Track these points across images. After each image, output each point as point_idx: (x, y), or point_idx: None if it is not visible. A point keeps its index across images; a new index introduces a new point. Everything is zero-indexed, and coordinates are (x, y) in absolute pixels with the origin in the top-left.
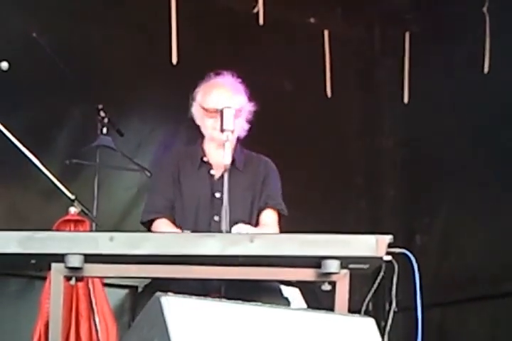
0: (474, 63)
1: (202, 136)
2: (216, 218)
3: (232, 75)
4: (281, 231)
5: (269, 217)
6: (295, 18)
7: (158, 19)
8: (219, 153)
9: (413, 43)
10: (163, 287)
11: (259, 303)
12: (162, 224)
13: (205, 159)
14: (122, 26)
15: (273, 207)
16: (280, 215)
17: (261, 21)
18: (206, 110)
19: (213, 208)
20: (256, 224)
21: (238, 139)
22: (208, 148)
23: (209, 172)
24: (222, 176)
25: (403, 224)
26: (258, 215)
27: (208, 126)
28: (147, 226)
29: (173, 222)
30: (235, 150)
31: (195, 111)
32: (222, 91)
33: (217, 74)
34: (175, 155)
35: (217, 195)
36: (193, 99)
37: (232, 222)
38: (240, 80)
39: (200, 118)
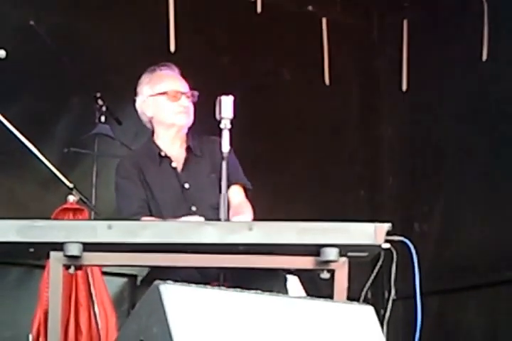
0: (473, 51)
1: (152, 132)
2: (193, 208)
3: (171, 66)
4: (279, 218)
5: (238, 195)
6: (293, 6)
7: (156, 7)
8: (175, 145)
9: (412, 31)
10: (163, 276)
11: (260, 291)
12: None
13: (162, 154)
14: (120, 14)
15: (237, 183)
16: (246, 190)
17: (259, 9)
18: (166, 94)
19: (187, 199)
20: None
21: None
22: (162, 143)
23: (171, 165)
24: (184, 167)
25: (402, 213)
26: None
27: (169, 111)
28: None
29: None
30: (187, 136)
31: (146, 103)
32: (179, 78)
33: (162, 65)
34: (131, 157)
35: (186, 185)
36: (139, 94)
37: (208, 207)
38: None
39: (156, 106)
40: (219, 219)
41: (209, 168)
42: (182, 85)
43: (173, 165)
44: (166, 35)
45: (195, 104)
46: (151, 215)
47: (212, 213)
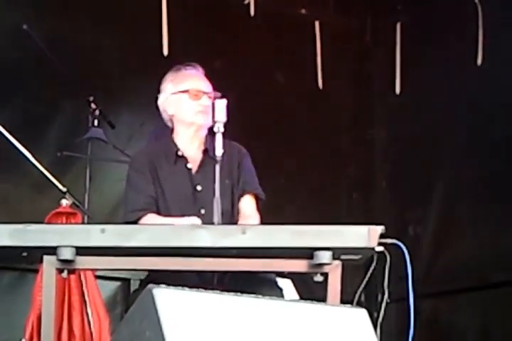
0: (466, 54)
1: (171, 130)
2: (202, 211)
3: (196, 67)
4: (273, 221)
5: (250, 206)
6: (286, 9)
7: (149, 10)
8: (193, 145)
9: (404, 34)
10: (162, 279)
11: (254, 295)
12: (151, 218)
13: (179, 153)
14: (113, 18)
15: (251, 193)
16: (258, 199)
17: (252, 12)
18: (188, 92)
19: (197, 202)
20: (237, 212)
21: (208, 129)
22: (181, 142)
23: (186, 166)
24: (199, 169)
25: (396, 216)
26: (238, 202)
27: (190, 109)
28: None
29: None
30: (206, 138)
31: (168, 100)
32: (203, 78)
33: (187, 65)
34: (147, 152)
35: (199, 188)
36: (162, 91)
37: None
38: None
39: (177, 105)
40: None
41: (224, 174)
42: (205, 85)
43: (189, 166)
44: (159, 38)
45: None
46: (158, 213)
47: (222, 219)
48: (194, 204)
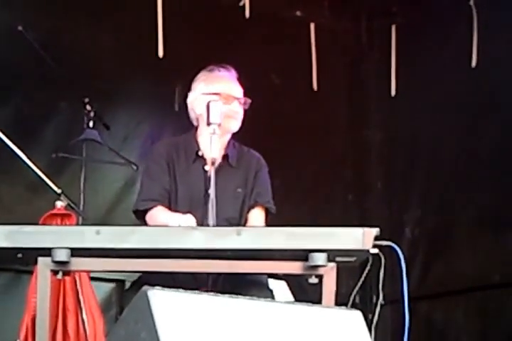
0: (461, 56)
1: (195, 128)
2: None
3: (230, 69)
4: (266, 224)
5: (257, 217)
6: (281, 10)
7: (144, 12)
8: (215, 148)
9: (400, 36)
10: (154, 280)
11: (246, 296)
12: (160, 211)
13: (200, 153)
14: (108, 19)
15: (262, 205)
16: (268, 213)
17: (247, 14)
18: (220, 95)
19: (207, 206)
20: (245, 222)
21: (232, 134)
22: (203, 142)
23: (203, 167)
24: (216, 172)
25: (392, 217)
26: (247, 212)
27: (216, 111)
28: (140, 215)
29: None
30: (228, 145)
31: (197, 99)
32: (235, 83)
33: (221, 67)
34: (169, 145)
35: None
36: (192, 90)
37: (223, 219)
38: (237, 75)
39: (203, 106)
40: None
41: (239, 182)
42: (237, 90)
43: (206, 168)
44: (154, 40)
45: (245, 112)
46: (169, 207)
47: (225, 225)
48: (202, 207)
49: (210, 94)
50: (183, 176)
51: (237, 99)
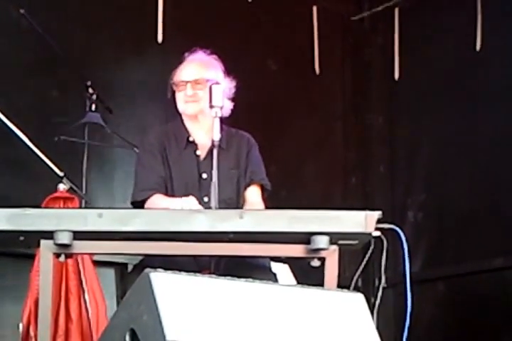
0: (465, 39)
1: (180, 115)
2: (206, 199)
3: (206, 52)
4: (270, 207)
5: (255, 195)
6: None
7: None
8: (203, 133)
9: (403, 19)
10: (156, 263)
11: (249, 279)
12: (159, 198)
13: (190, 139)
14: (109, 4)
15: (257, 183)
16: (264, 189)
17: None
18: (176, 85)
19: (202, 189)
20: (242, 201)
21: (220, 117)
22: (192, 128)
23: (195, 152)
24: (207, 156)
25: (395, 201)
26: (244, 191)
27: (179, 100)
28: (139, 206)
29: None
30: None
31: (171, 90)
32: (192, 65)
33: (191, 51)
34: (159, 133)
35: (204, 175)
36: (171, 80)
37: (221, 201)
38: (215, 56)
39: (174, 94)
40: None
41: (231, 163)
42: (188, 73)
43: (198, 152)
44: (154, 25)
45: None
46: (166, 194)
47: (223, 206)
48: (198, 192)
49: (174, 84)
50: (176, 163)
51: (189, 82)
